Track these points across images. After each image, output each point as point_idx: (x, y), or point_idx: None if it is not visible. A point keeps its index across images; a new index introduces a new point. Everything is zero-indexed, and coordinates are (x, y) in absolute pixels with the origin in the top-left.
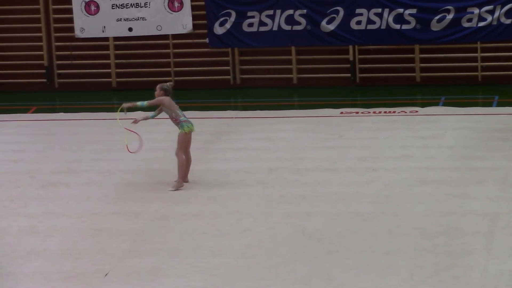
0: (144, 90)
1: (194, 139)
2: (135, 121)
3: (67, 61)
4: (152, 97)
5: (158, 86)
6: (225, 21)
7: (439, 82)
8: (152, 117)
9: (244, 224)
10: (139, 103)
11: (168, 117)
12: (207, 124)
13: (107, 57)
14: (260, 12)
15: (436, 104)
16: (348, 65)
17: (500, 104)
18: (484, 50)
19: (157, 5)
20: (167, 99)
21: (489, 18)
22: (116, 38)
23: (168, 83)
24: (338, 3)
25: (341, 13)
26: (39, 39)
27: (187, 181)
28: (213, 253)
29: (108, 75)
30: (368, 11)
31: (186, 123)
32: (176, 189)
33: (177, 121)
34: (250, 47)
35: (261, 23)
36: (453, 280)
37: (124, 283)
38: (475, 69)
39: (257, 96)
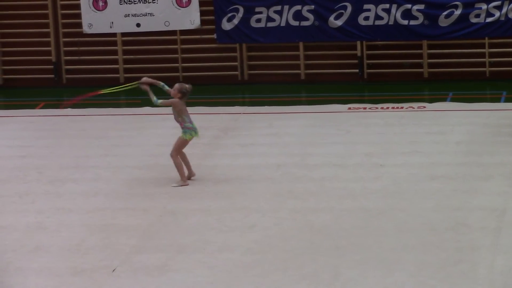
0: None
1: (202, 135)
2: (145, 82)
3: (75, 56)
4: (160, 94)
5: (177, 86)
6: (233, 17)
7: (447, 78)
8: (162, 87)
9: (252, 220)
10: (154, 99)
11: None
12: (214, 120)
13: (115, 52)
14: (268, 8)
15: (444, 100)
16: (356, 61)
17: (508, 100)
18: (492, 45)
19: (165, 1)
20: (179, 104)
21: (497, 14)
22: (124, 34)
23: (187, 86)
24: None
25: (349, 8)
26: (47, 34)
27: (194, 175)
28: (220, 249)
29: (116, 70)
30: (376, 6)
31: (189, 130)
32: (180, 186)
33: (181, 126)
34: (258, 43)
35: (269, 19)
36: (461, 276)
37: (132, 279)
38: (483, 64)
39: (265, 91)
